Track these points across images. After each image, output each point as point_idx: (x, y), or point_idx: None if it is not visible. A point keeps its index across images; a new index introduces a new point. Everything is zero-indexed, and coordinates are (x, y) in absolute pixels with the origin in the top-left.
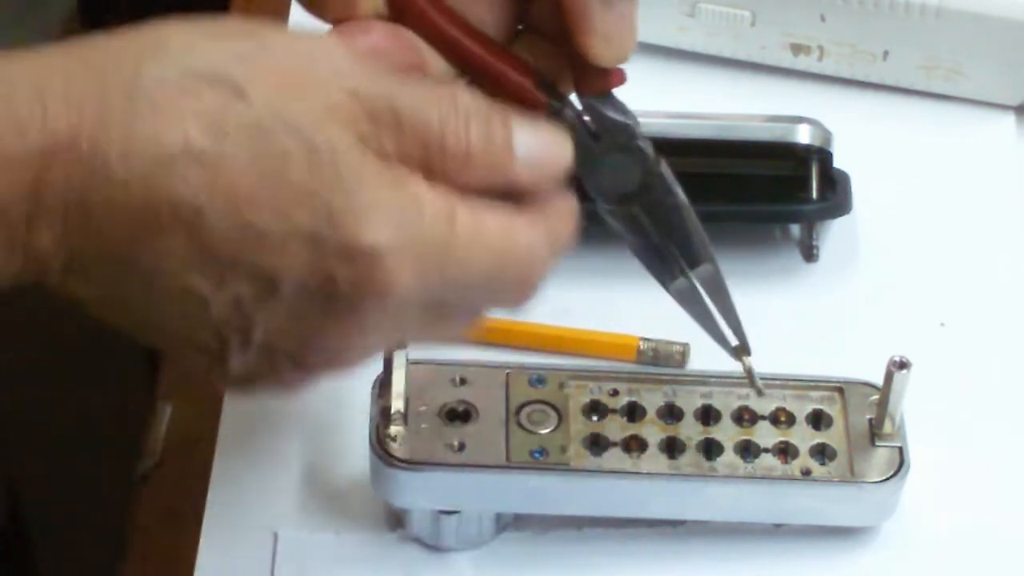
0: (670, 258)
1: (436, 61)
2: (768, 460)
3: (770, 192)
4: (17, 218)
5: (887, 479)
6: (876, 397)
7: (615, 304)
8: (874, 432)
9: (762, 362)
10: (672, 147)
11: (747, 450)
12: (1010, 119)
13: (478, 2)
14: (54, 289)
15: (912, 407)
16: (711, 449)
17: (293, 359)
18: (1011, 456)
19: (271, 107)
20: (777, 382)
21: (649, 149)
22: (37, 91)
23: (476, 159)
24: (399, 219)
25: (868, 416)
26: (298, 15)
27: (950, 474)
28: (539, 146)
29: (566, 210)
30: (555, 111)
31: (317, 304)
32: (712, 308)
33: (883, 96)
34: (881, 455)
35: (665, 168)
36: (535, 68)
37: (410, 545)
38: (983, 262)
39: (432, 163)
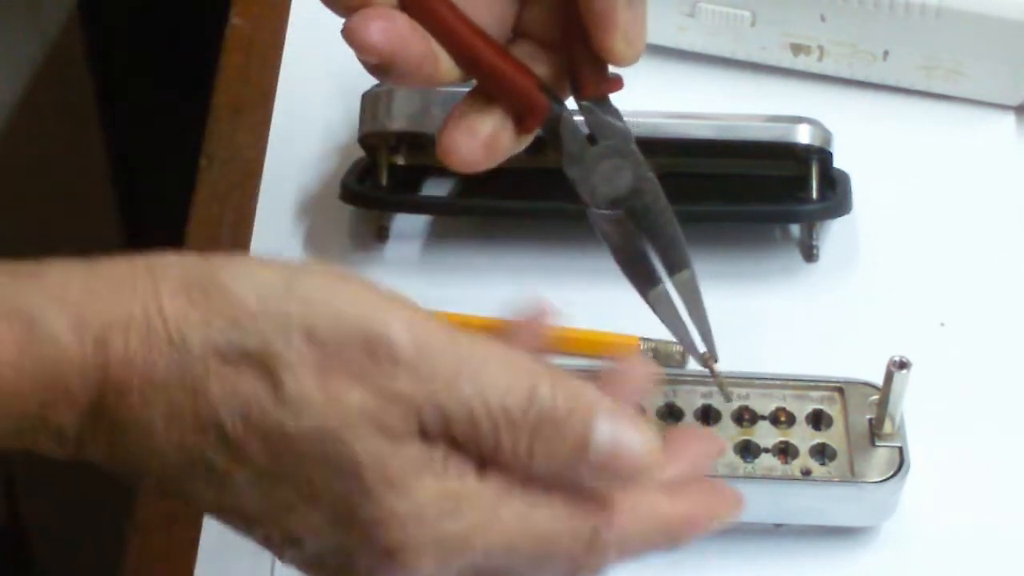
0: (650, 266)
1: (444, 57)
2: (768, 460)
3: (770, 192)
4: (71, 440)
5: (887, 479)
6: (876, 397)
7: (615, 304)
8: (874, 432)
9: (762, 362)
10: (672, 147)
11: (747, 450)
12: (1010, 119)
13: (475, 4)
14: None
15: (912, 407)
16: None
17: None
18: (1011, 456)
19: (301, 402)
20: (777, 382)
21: (640, 155)
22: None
23: (536, 469)
24: (429, 520)
25: (868, 416)
26: (298, 12)
27: (950, 474)
28: (616, 455)
29: (640, 512)
30: (556, 113)
31: (339, 567)
32: (685, 315)
33: (883, 96)
34: (881, 455)
35: (652, 174)
36: (535, 72)
37: None
38: (983, 262)
39: (491, 461)
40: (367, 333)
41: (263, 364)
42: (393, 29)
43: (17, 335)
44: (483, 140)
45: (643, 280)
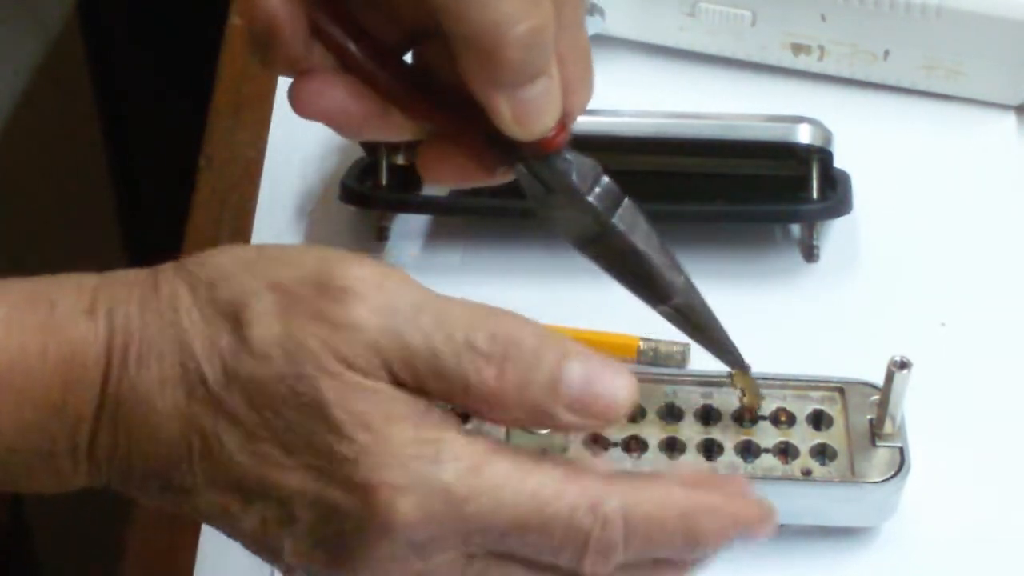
0: (654, 283)
1: (398, 113)
2: (768, 460)
3: (770, 192)
4: (81, 437)
5: (887, 479)
6: (876, 397)
7: (615, 304)
8: (874, 432)
9: (762, 362)
10: (672, 147)
11: (747, 450)
12: (1010, 119)
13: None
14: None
15: (912, 407)
16: (711, 449)
17: None
18: (1011, 456)
19: (266, 348)
20: (777, 382)
21: (601, 202)
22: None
23: (509, 401)
24: (405, 459)
25: (868, 416)
26: None
27: (950, 474)
28: (591, 393)
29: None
30: (508, 166)
31: (332, 533)
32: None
33: (883, 96)
34: (881, 455)
35: (623, 210)
36: (488, 123)
37: None
38: (983, 262)
39: (464, 404)
40: (323, 274)
41: (235, 316)
42: (327, 93)
43: (40, 318)
44: (456, 166)
45: (649, 297)
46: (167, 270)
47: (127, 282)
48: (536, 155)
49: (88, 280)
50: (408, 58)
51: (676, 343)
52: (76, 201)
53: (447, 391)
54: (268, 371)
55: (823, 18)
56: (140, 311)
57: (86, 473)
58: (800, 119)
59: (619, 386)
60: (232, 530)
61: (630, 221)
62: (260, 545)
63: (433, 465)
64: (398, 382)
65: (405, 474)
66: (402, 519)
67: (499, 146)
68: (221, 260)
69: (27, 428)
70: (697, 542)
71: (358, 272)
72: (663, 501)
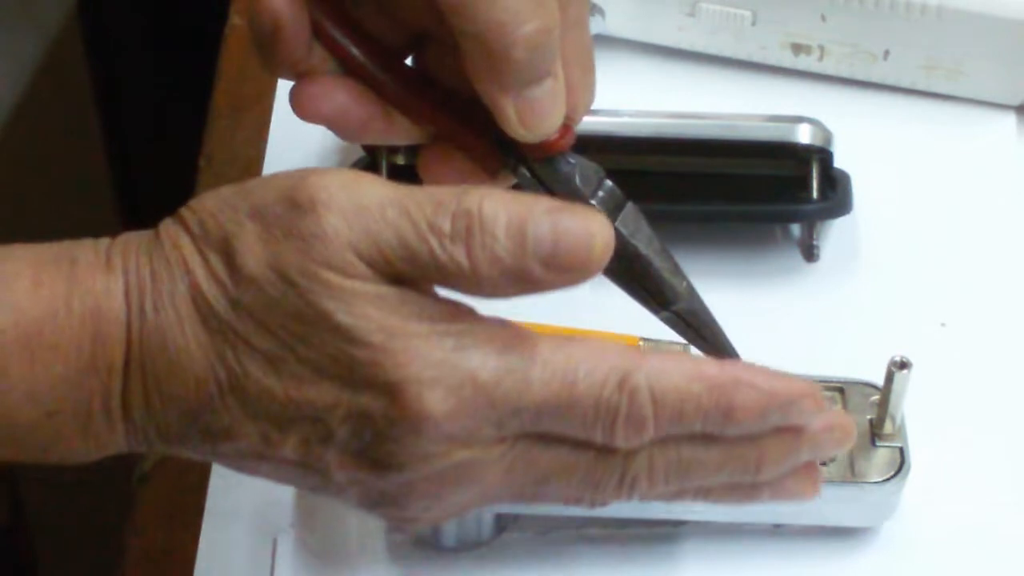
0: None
1: (400, 116)
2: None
3: (770, 192)
4: (114, 391)
5: (887, 479)
6: (877, 397)
7: (615, 304)
8: (875, 432)
9: (762, 362)
10: (672, 147)
11: None
12: (1011, 119)
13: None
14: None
15: (913, 407)
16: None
17: (383, 501)
18: (1011, 456)
19: (255, 275)
20: None
21: (604, 205)
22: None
23: (482, 273)
24: (426, 351)
25: (869, 416)
26: None
27: (950, 474)
28: (563, 245)
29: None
30: (510, 169)
31: (370, 439)
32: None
33: (883, 96)
34: (882, 455)
35: (626, 214)
36: (491, 126)
37: (410, 545)
38: (984, 262)
39: (447, 286)
40: (292, 190)
41: (225, 249)
42: (329, 96)
43: (65, 273)
44: (457, 169)
45: (650, 304)
46: (166, 221)
47: (134, 237)
48: (539, 157)
49: (102, 240)
50: (409, 61)
51: (676, 343)
52: (76, 201)
53: (427, 278)
54: (266, 295)
55: (823, 18)
56: (148, 259)
57: (123, 433)
58: (800, 119)
59: (591, 232)
60: (278, 464)
61: (633, 225)
62: (307, 471)
63: (455, 353)
64: (388, 278)
65: (428, 366)
66: (433, 412)
67: (502, 148)
68: (207, 201)
69: (62, 385)
70: (731, 415)
71: (323, 181)
72: (693, 373)
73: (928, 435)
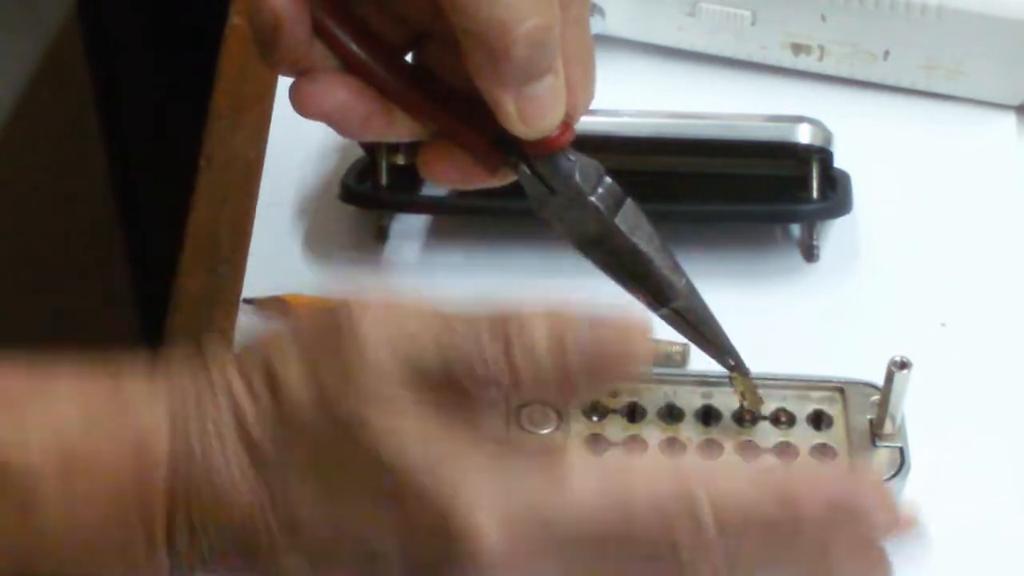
0: (655, 286)
1: (401, 113)
2: (769, 461)
3: (770, 192)
4: (161, 517)
5: (887, 479)
6: (877, 397)
7: (614, 301)
8: (875, 432)
9: (762, 362)
10: (672, 147)
11: (748, 451)
12: (1011, 119)
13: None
14: None
15: (913, 407)
16: (711, 450)
17: None
18: (1011, 456)
19: (305, 393)
20: (777, 382)
21: (604, 202)
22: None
23: (522, 377)
24: (476, 475)
25: (869, 416)
26: None
27: (950, 474)
28: (601, 355)
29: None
30: (510, 166)
31: (426, 567)
32: (701, 331)
33: (883, 96)
34: (882, 455)
35: (625, 211)
36: (491, 123)
37: None
38: (984, 262)
39: (482, 390)
40: (334, 313)
41: (268, 373)
42: (329, 93)
43: (107, 398)
44: (457, 166)
45: (649, 301)
46: (209, 347)
47: (179, 359)
48: (539, 154)
49: (148, 364)
50: (409, 58)
51: (676, 343)
52: (76, 201)
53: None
54: (308, 418)
55: (823, 18)
56: (194, 388)
57: (166, 560)
58: (800, 119)
59: (631, 339)
60: None
61: (632, 222)
62: None
63: (510, 480)
64: (428, 397)
65: (483, 493)
66: (488, 539)
67: (502, 145)
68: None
69: (104, 520)
70: (792, 510)
71: (364, 305)
72: (756, 475)
73: (928, 435)
